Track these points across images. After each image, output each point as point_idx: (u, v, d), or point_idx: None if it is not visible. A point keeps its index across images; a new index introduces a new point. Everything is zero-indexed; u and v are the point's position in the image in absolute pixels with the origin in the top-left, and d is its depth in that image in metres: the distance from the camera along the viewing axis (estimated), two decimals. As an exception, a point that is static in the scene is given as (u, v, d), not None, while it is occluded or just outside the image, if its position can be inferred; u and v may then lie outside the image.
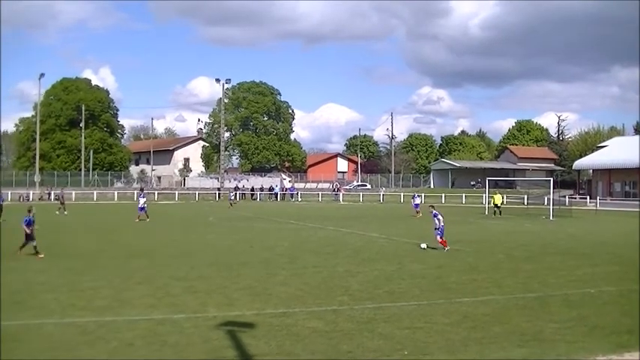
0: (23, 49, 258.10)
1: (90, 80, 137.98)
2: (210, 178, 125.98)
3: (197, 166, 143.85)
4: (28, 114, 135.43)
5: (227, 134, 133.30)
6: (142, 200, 52.83)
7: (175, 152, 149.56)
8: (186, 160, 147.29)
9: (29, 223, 27.46)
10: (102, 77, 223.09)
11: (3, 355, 12.60)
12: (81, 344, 13.45)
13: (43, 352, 12.87)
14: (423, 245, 31.23)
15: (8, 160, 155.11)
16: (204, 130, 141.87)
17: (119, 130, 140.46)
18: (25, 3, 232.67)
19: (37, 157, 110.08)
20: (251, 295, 19.06)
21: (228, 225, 48.51)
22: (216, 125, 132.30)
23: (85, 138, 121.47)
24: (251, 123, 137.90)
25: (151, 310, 16.78)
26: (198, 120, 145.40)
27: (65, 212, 59.73)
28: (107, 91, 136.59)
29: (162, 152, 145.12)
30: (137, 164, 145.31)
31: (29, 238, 27.64)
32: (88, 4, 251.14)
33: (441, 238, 30.92)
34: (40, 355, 12.78)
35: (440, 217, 31.07)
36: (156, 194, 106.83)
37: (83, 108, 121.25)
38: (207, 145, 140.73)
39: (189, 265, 25.63)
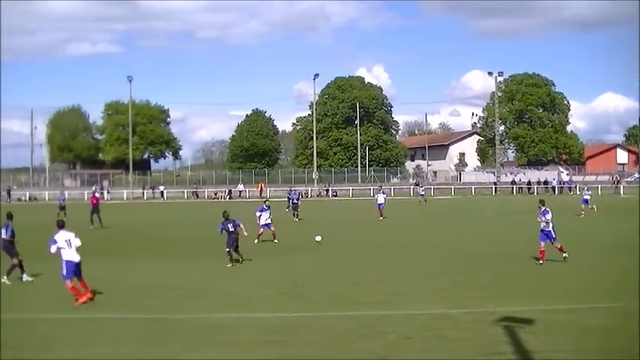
0: (298, 50, 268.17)
1: (363, 78, 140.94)
2: (486, 172, 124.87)
3: (472, 160, 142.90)
4: (305, 113, 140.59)
5: (502, 128, 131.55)
6: (381, 197, 51.67)
7: (450, 147, 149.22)
8: (462, 154, 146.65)
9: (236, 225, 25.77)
10: (375, 75, 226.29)
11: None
12: (360, 337, 13.75)
13: (324, 344, 13.29)
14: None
15: (287, 158, 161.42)
16: (478, 125, 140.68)
17: (393, 127, 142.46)
18: (300, 4, 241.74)
19: (315, 154, 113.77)
20: (529, 291, 18.69)
21: (506, 219, 47.83)
22: (490, 119, 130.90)
23: (360, 135, 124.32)
24: (526, 115, 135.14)
25: (428, 305, 16.85)
26: (472, 114, 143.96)
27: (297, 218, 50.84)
28: (380, 88, 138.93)
29: (438, 147, 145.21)
30: (412, 160, 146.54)
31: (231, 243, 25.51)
32: (359, 4, 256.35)
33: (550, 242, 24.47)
34: (320, 345, 13.18)
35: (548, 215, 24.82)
36: (432, 189, 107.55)
37: (358, 106, 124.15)
38: (481, 139, 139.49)
39: (467, 259, 25.46)
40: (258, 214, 33.90)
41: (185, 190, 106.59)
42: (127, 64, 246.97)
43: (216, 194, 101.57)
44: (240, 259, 25.67)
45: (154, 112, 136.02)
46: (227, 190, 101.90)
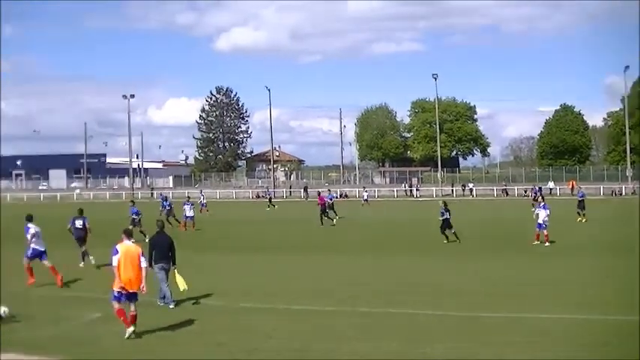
0: (608, 42, 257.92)
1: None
2: None
3: None
4: (616, 108, 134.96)
5: None
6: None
7: None
8: None
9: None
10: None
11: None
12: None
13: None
14: None
15: (599, 155, 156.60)
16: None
17: None
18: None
19: (628, 150, 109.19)
20: None
21: None
22: None
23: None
24: None
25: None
26: None
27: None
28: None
29: None
30: None
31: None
32: None
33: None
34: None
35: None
36: None
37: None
38: None
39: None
40: None
41: (494, 188, 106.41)
42: (431, 61, 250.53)
43: (525, 192, 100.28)
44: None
45: (461, 109, 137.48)
46: (537, 187, 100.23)
